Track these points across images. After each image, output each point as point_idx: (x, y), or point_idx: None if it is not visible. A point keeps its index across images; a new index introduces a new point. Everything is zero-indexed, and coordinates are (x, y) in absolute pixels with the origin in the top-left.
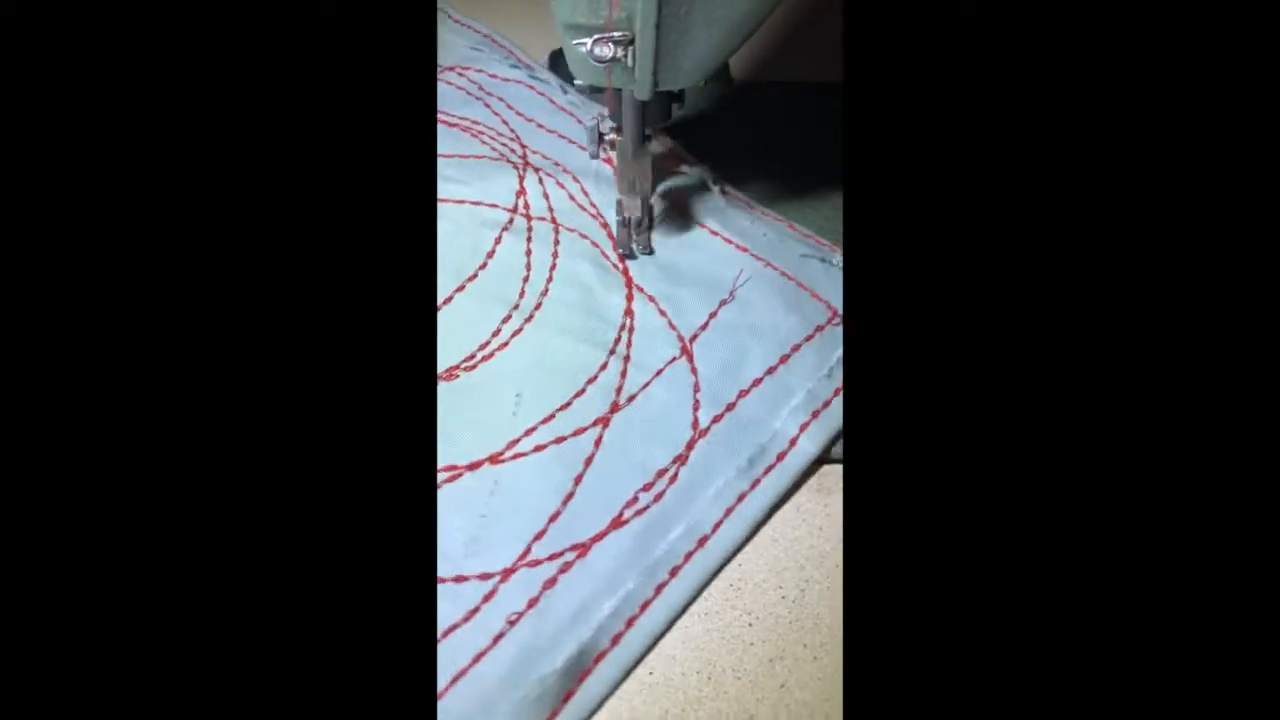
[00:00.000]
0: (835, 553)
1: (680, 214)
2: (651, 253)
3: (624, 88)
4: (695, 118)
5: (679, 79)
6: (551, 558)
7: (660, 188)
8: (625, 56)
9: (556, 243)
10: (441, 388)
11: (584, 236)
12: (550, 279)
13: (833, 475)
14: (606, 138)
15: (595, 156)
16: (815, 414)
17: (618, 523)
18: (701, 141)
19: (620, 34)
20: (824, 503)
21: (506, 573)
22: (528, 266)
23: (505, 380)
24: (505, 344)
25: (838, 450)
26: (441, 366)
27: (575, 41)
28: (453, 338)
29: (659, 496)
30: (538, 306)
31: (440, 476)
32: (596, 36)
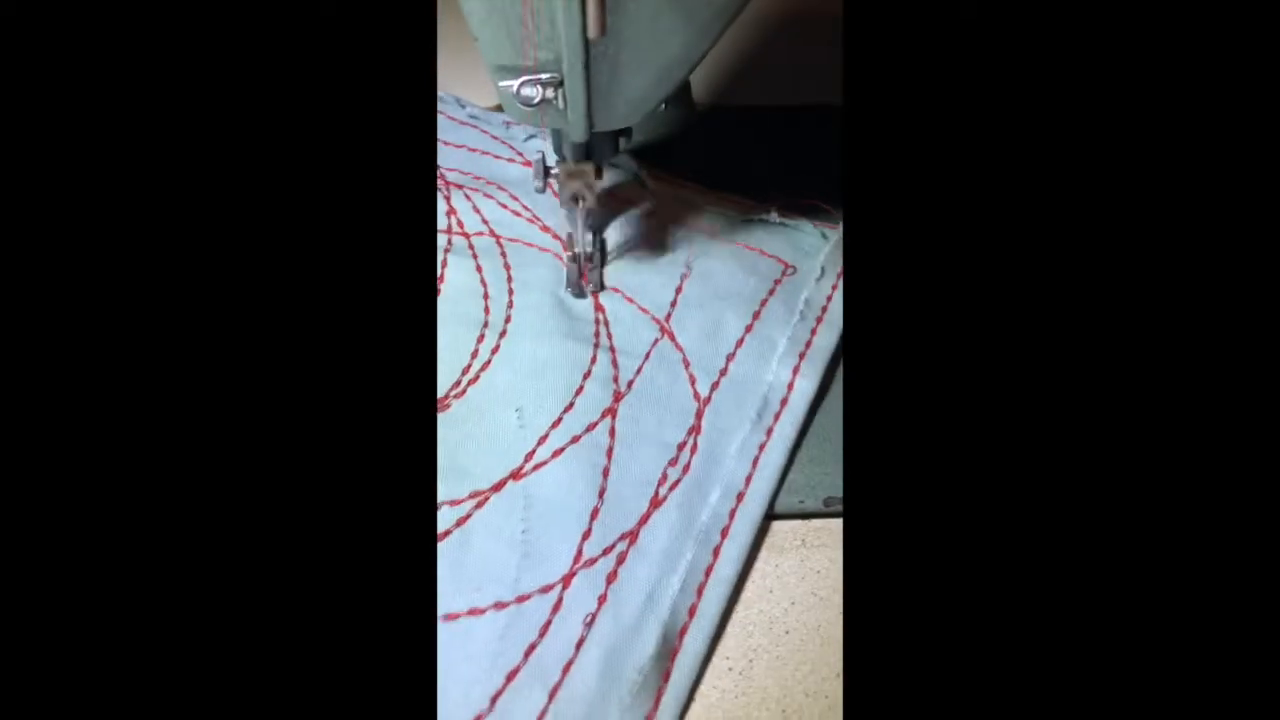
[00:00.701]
0: (785, 618)
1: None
2: (602, 288)
3: (559, 128)
4: (658, 144)
5: (614, 119)
6: (605, 552)
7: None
8: (556, 98)
9: (503, 254)
10: (439, 419)
11: (529, 244)
12: (511, 290)
13: (783, 533)
14: (553, 172)
15: (541, 190)
16: (802, 355)
17: (656, 502)
18: (665, 167)
19: (548, 75)
20: (774, 563)
21: (567, 579)
22: (483, 283)
23: (500, 398)
24: (487, 363)
25: (785, 504)
26: None
27: (502, 83)
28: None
29: (686, 468)
30: (508, 320)
31: (467, 505)
32: (524, 78)
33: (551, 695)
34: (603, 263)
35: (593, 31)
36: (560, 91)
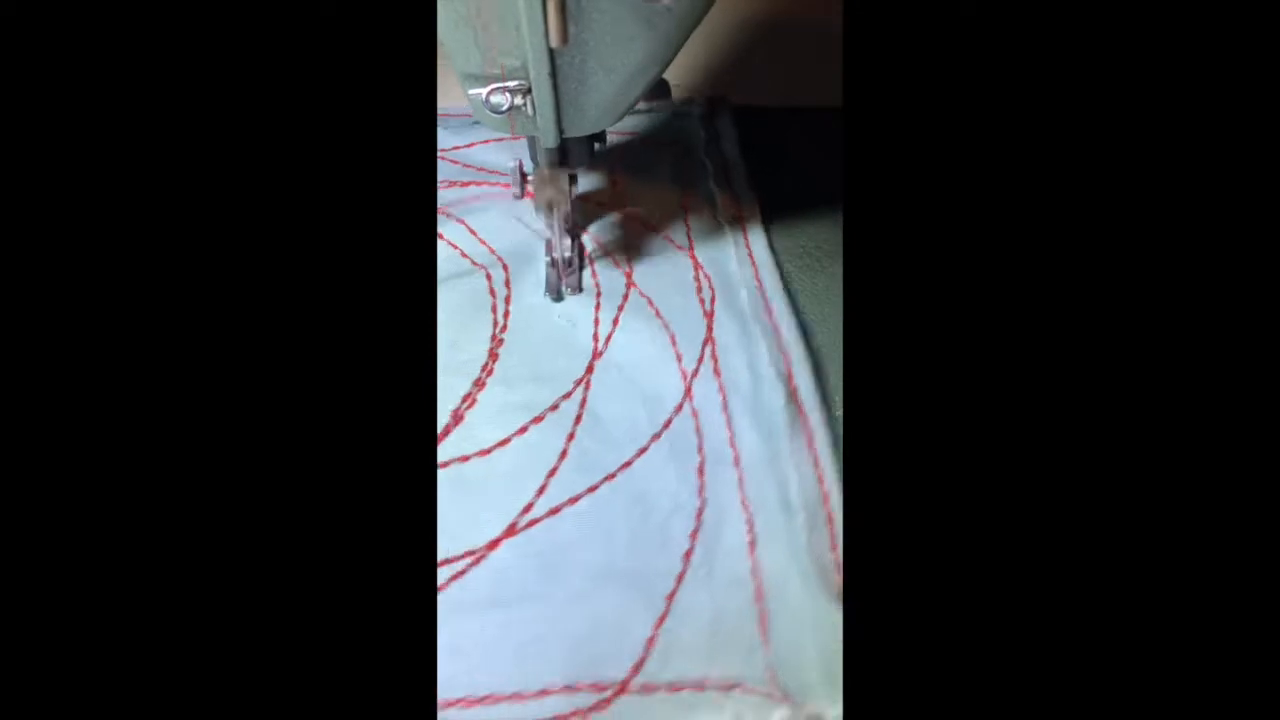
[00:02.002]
0: None
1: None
2: (580, 291)
3: (530, 135)
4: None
5: (585, 125)
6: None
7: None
8: (525, 105)
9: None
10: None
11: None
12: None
13: None
14: (530, 179)
15: (519, 197)
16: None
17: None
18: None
19: (516, 83)
20: None
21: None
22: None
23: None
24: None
25: None
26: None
27: (472, 91)
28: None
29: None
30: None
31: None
32: (492, 86)
33: (736, 463)
34: (581, 266)
35: (555, 40)
36: (529, 98)
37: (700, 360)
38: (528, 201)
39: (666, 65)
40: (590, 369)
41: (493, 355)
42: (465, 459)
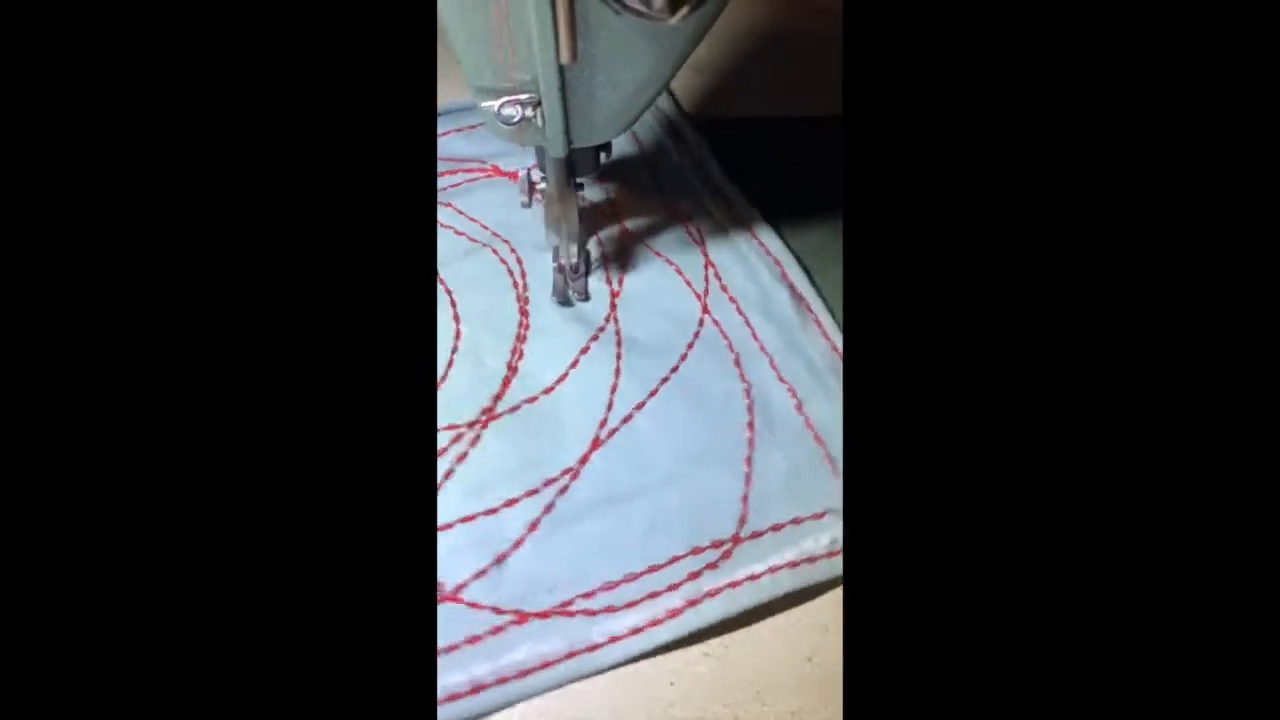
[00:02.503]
0: (759, 606)
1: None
2: (588, 299)
3: (539, 145)
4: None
5: (593, 136)
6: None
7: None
8: (535, 116)
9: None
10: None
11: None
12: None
13: None
14: (538, 187)
15: (528, 205)
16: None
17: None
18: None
19: (527, 96)
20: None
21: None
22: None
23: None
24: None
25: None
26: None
27: (484, 104)
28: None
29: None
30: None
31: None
32: (504, 99)
33: (764, 351)
34: (587, 272)
35: (565, 57)
36: (539, 111)
37: (706, 281)
38: (510, 183)
39: (671, 78)
40: (613, 306)
41: (524, 313)
42: (534, 399)
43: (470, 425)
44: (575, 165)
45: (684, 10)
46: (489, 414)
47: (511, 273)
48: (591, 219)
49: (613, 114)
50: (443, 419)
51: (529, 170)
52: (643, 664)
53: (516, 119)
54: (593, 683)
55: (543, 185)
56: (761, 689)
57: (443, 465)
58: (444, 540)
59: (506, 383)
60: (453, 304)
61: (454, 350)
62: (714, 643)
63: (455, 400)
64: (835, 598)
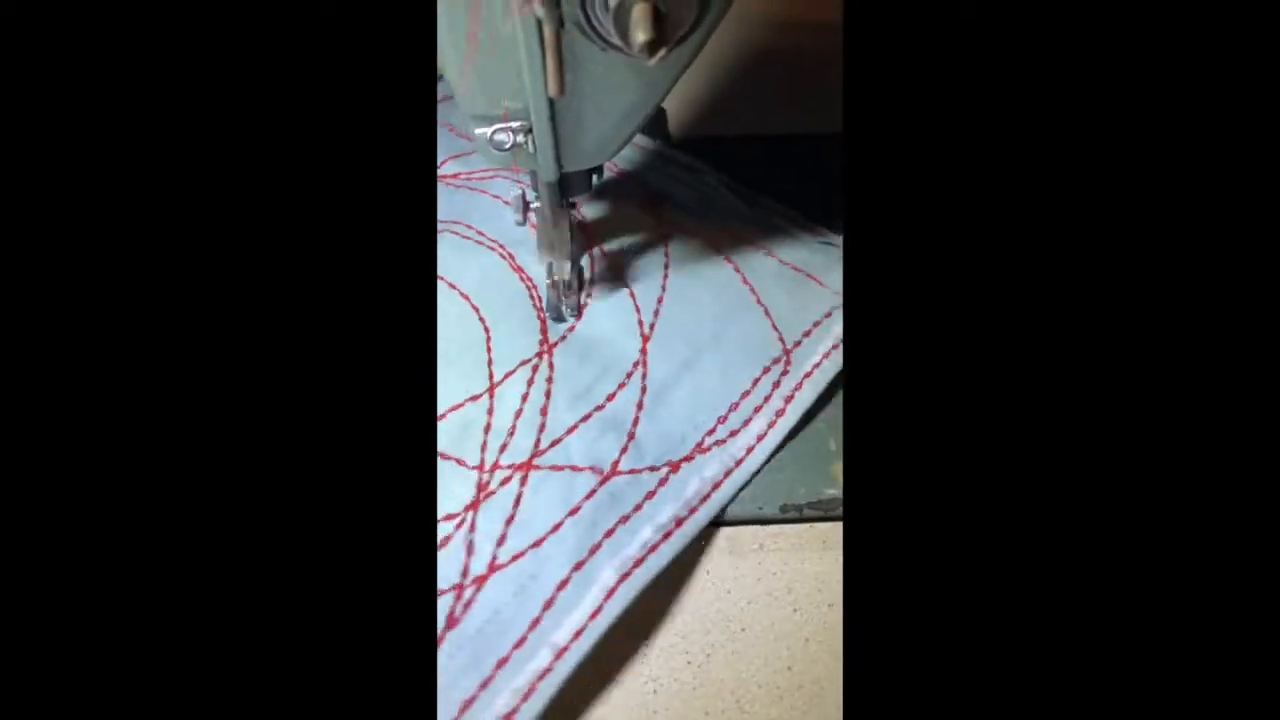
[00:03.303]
0: (742, 616)
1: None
2: (580, 315)
3: (531, 169)
4: (631, 175)
5: (583, 161)
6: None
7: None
8: (526, 143)
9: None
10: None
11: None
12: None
13: (744, 537)
14: (532, 206)
15: (521, 224)
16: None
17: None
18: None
19: (518, 123)
20: (734, 565)
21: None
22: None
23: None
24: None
25: (736, 511)
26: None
27: (478, 130)
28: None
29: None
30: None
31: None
32: (496, 126)
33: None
34: (580, 289)
35: (553, 91)
36: (530, 137)
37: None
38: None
39: (657, 105)
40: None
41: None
42: (572, 329)
43: (537, 355)
44: (568, 186)
45: (662, 52)
46: (546, 344)
47: (521, 269)
48: (585, 236)
49: (601, 140)
50: (512, 360)
51: (523, 190)
52: (625, 672)
53: (508, 145)
54: (576, 688)
55: (536, 205)
56: (742, 697)
57: (539, 384)
58: (582, 433)
59: (543, 326)
60: (463, 296)
61: (483, 322)
62: (696, 651)
63: (510, 347)
64: (817, 610)
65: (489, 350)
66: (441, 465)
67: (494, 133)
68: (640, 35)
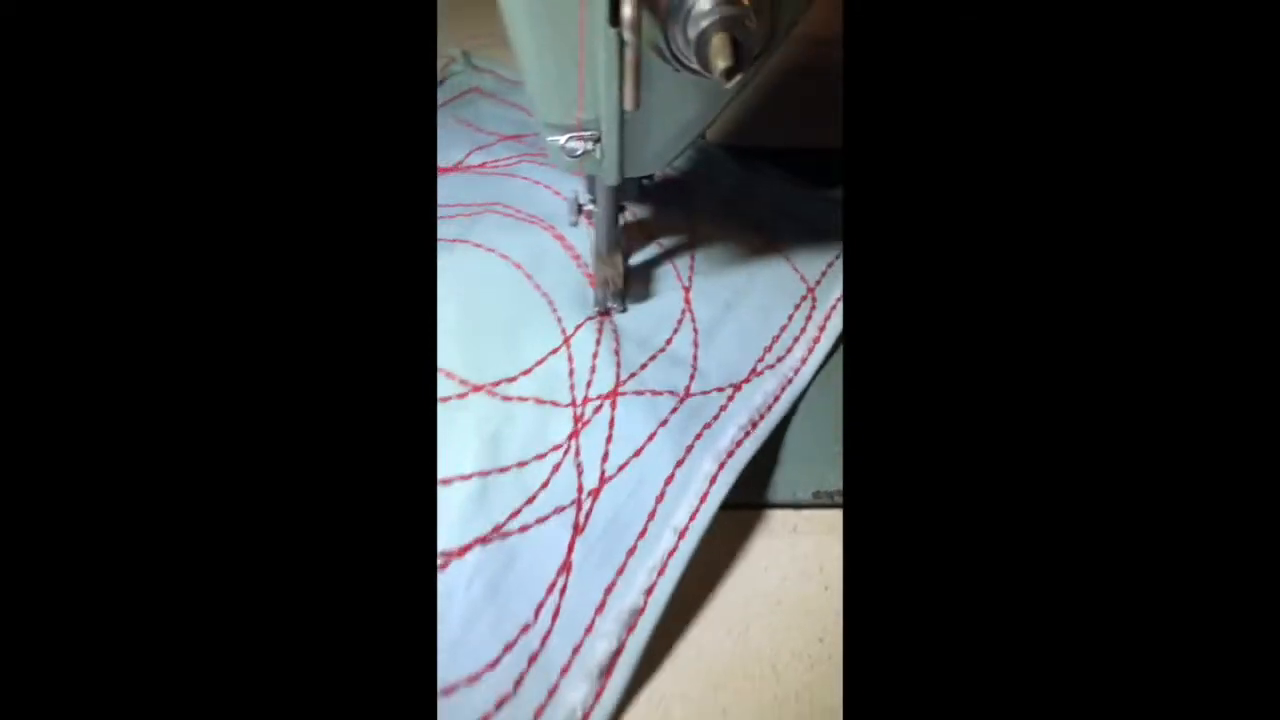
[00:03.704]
0: (777, 591)
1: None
2: (624, 310)
3: (594, 174)
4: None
5: (642, 168)
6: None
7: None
8: (595, 150)
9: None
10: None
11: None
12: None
13: (779, 520)
14: (585, 208)
15: (575, 224)
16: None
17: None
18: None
19: (590, 132)
20: (770, 546)
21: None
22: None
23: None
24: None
25: (773, 496)
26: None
27: (551, 138)
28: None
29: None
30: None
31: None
32: (570, 135)
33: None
34: (625, 288)
35: (629, 105)
36: (599, 145)
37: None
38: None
39: (714, 121)
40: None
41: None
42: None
43: (599, 314)
44: (622, 190)
45: (740, 77)
46: (602, 312)
47: (563, 237)
48: (629, 237)
49: (661, 150)
50: (578, 315)
51: (576, 194)
52: (676, 641)
53: (580, 152)
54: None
55: (590, 207)
56: (777, 664)
57: (608, 333)
58: (653, 368)
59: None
60: (516, 266)
61: (539, 288)
62: (736, 621)
63: (571, 308)
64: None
65: (554, 310)
66: (538, 409)
67: (567, 140)
68: (721, 63)
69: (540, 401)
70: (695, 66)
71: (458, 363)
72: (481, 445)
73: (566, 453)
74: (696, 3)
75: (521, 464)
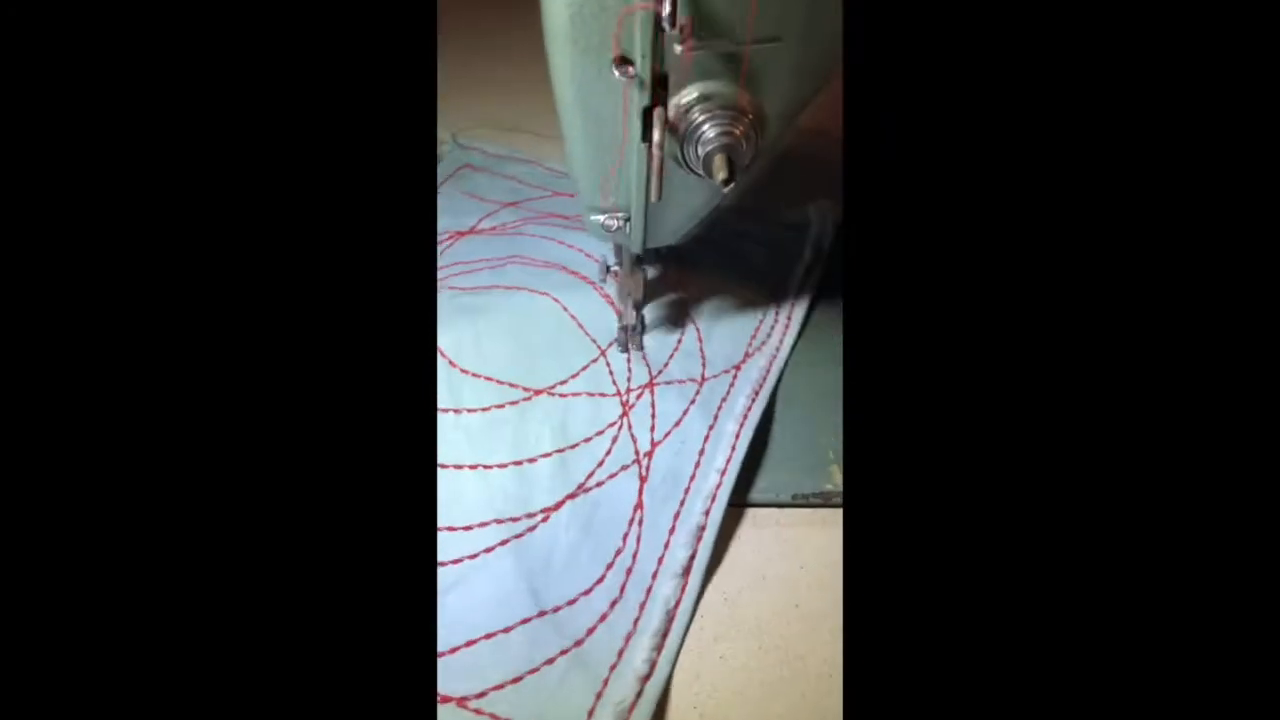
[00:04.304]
0: (763, 568)
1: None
2: (643, 349)
3: (624, 243)
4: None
5: (661, 241)
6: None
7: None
8: (624, 227)
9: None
10: None
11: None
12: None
13: (764, 516)
14: (611, 269)
15: (602, 282)
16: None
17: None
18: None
19: (621, 213)
20: (758, 535)
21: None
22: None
23: None
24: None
25: (759, 498)
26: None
27: (591, 216)
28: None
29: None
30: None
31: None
32: (606, 215)
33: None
34: (642, 332)
35: (654, 197)
36: (627, 224)
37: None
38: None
39: (716, 207)
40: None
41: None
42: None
43: (621, 329)
44: (644, 257)
45: (733, 185)
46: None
47: (585, 277)
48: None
49: (676, 227)
50: (608, 335)
51: (603, 258)
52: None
53: (614, 228)
54: None
55: (616, 268)
56: (762, 624)
57: (620, 353)
58: (673, 362)
59: (616, 311)
60: (552, 298)
61: (567, 310)
62: (730, 590)
63: (599, 327)
64: (818, 566)
65: (587, 332)
66: (590, 401)
67: (604, 220)
68: (720, 175)
69: (591, 395)
70: (701, 173)
71: (519, 375)
72: (552, 432)
73: (621, 428)
74: (704, 132)
75: (587, 439)
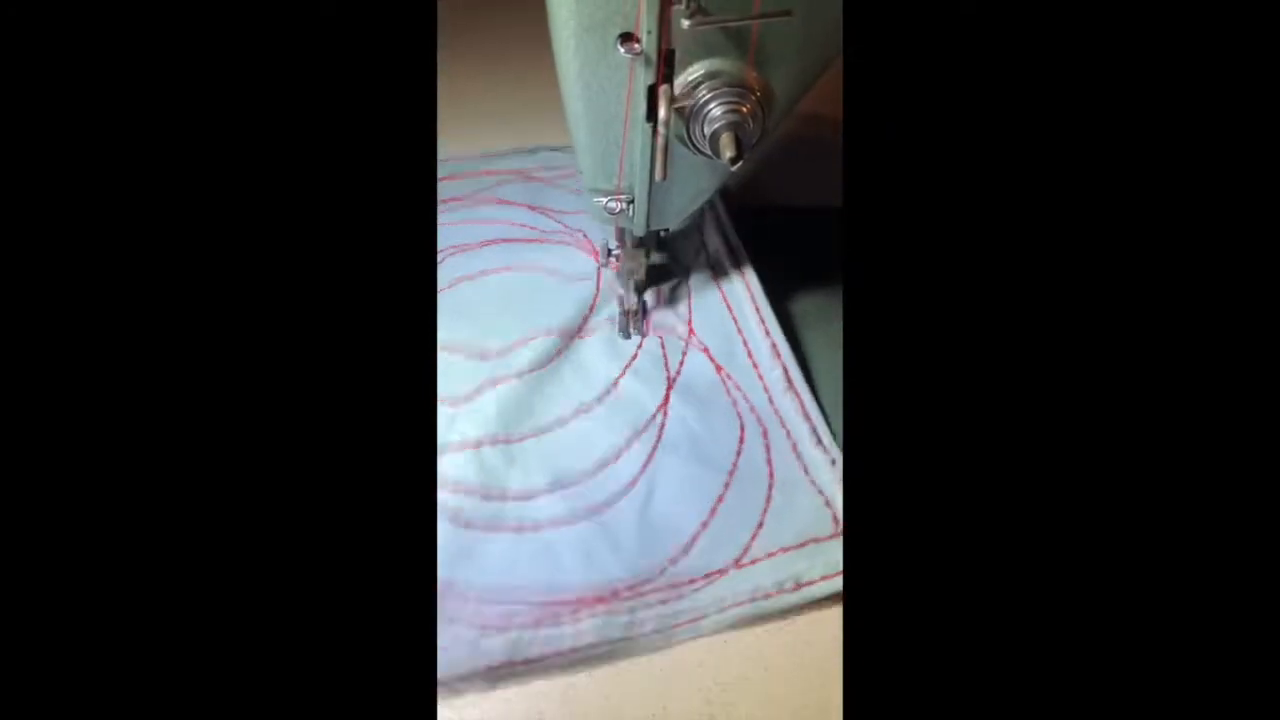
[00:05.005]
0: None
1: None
2: (645, 334)
3: (627, 226)
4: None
5: (663, 223)
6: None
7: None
8: (628, 210)
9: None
10: None
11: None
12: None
13: None
14: (614, 253)
15: (605, 266)
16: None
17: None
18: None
19: (625, 196)
20: None
21: None
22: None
23: None
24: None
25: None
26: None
27: (595, 199)
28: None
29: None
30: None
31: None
32: (610, 197)
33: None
34: (643, 316)
35: (659, 177)
36: (631, 206)
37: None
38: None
39: (717, 190)
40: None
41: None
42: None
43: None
44: (646, 239)
45: (741, 163)
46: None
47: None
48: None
49: (679, 210)
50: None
51: (606, 241)
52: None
53: (617, 210)
54: None
55: (618, 252)
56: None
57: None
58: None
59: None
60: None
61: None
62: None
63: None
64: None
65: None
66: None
67: (608, 202)
68: (728, 153)
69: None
70: (708, 152)
71: (553, 324)
72: (607, 360)
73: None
74: (710, 109)
75: (634, 355)
